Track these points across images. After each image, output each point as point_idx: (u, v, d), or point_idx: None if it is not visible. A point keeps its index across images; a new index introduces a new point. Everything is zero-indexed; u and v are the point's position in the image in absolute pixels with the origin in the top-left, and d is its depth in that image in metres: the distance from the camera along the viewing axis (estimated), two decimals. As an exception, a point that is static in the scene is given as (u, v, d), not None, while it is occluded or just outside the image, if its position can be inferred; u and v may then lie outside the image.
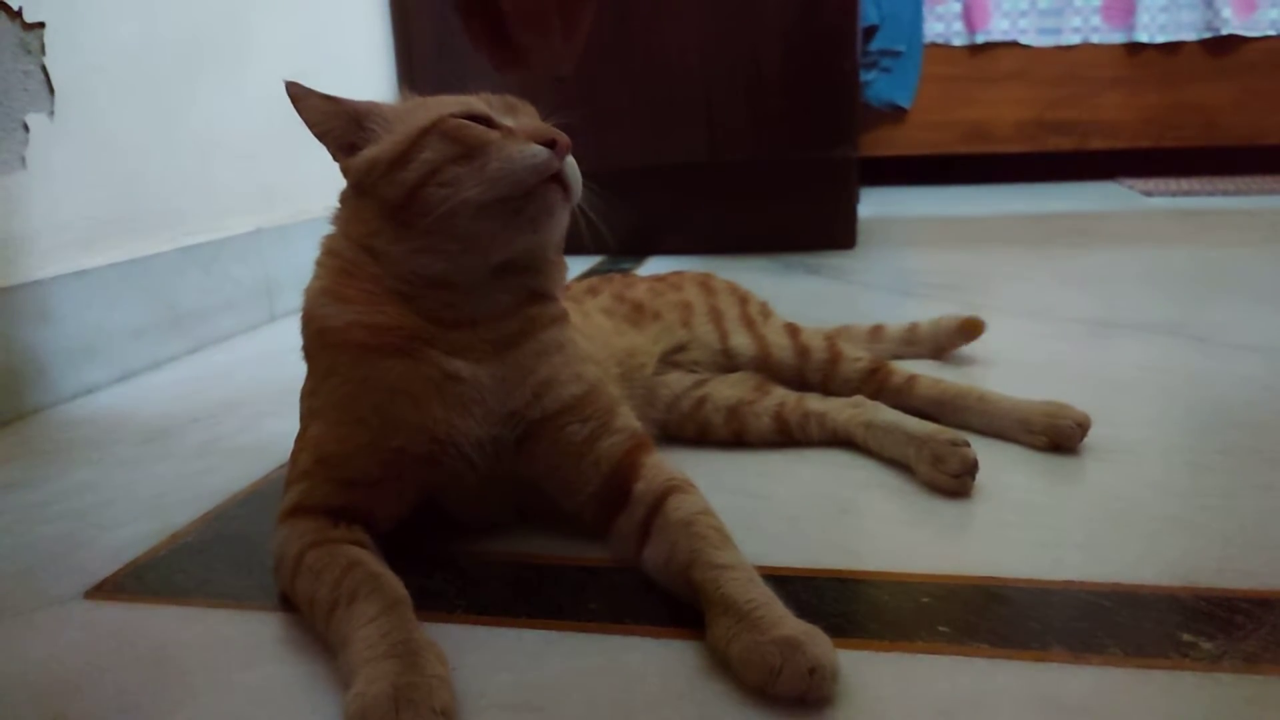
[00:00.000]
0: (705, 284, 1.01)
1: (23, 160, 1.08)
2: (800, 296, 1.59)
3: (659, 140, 2.01)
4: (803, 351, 0.94)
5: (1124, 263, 1.76)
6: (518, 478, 0.68)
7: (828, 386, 0.94)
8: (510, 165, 0.61)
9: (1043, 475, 0.79)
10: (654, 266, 1.95)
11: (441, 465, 0.64)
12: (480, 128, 0.63)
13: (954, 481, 0.75)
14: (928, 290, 1.57)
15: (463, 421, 0.63)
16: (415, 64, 2.03)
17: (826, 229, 1.99)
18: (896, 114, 3.20)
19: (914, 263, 1.86)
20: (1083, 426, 0.83)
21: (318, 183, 1.72)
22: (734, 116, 1.96)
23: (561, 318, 0.71)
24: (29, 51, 1.08)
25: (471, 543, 0.70)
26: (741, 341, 0.94)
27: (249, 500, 0.81)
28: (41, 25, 1.09)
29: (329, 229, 0.69)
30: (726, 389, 0.90)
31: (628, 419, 0.70)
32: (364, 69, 1.91)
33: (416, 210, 0.62)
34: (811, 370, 0.94)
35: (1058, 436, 0.83)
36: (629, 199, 2.10)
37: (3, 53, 1.05)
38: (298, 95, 0.66)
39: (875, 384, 0.93)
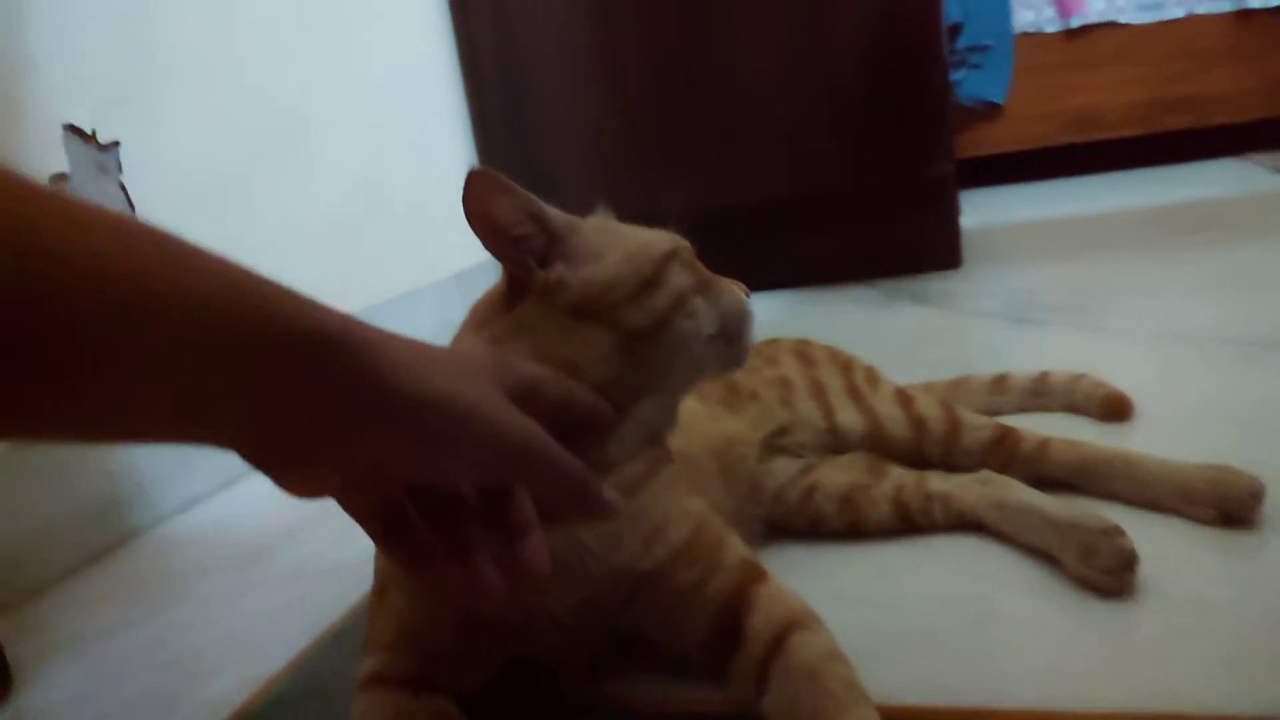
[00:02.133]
0: (803, 354, 0.93)
1: (107, 282, 1.08)
2: (907, 332, 1.49)
3: (739, 176, 1.93)
4: (918, 423, 0.85)
5: (1270, 259, 1.59)
6: (618, 629, 0.62)
7: (949, 460, 0.85)
8: (738, 301, 0.63)
9: (1218, 559, 0.68)
10: (752, 305, 1.87)
11: (534, 634, 0.58)
12: (706, 269, 0.64)
13: (1110, 579, 0.65)
14: (1047, 314, 1.45)
15: (560, 588, 0.57)
16: (492, 143, 2.02)
17: (928, 250, 1.88)
18: (991, 110, 3.05)
19: (1028, 280, 1.73)
20: (1256, 495, 0.72)
21: (390, 261, 1.73)
22: (817, 142, 1.87)
23: (668, 453, 0.65)
24: (106, 172, 1.09)
25: (569, 686, 0.64)
26: (849, 417, 0.86)
27: (340, 638, 0.77)
28: (116, 145, 1.10)
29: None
30: (837, 474, 0.82)
31: (737, 549, 0.63)
32: (436, 146, 1.90)
33: (656, 339, 0.58)
34: (930, 444, 0.85)
35: (1228, 507, 0.72)
36: (712, 239, 2.02)
37: (84, 177, 1.05)
38: (490, 187, 0.55)
39: (1003, 454, 0.83)
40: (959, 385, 1.05)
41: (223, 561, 0.97)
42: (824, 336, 1.54)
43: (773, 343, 0.96)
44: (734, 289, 0.64)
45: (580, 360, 0.56)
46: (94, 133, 1.07)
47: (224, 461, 1.19)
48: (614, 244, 0.59)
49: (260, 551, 0.98)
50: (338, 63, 1.55)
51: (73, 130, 1.04)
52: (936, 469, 0.84)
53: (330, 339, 0.35)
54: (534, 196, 0.57)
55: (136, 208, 1.12)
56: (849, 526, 0.80)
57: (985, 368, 1.09)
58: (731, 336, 0.62)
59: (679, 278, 0.59)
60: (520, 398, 0.44)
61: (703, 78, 1.91)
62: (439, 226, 1.81)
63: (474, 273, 1.87)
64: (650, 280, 0.58)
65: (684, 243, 0.63)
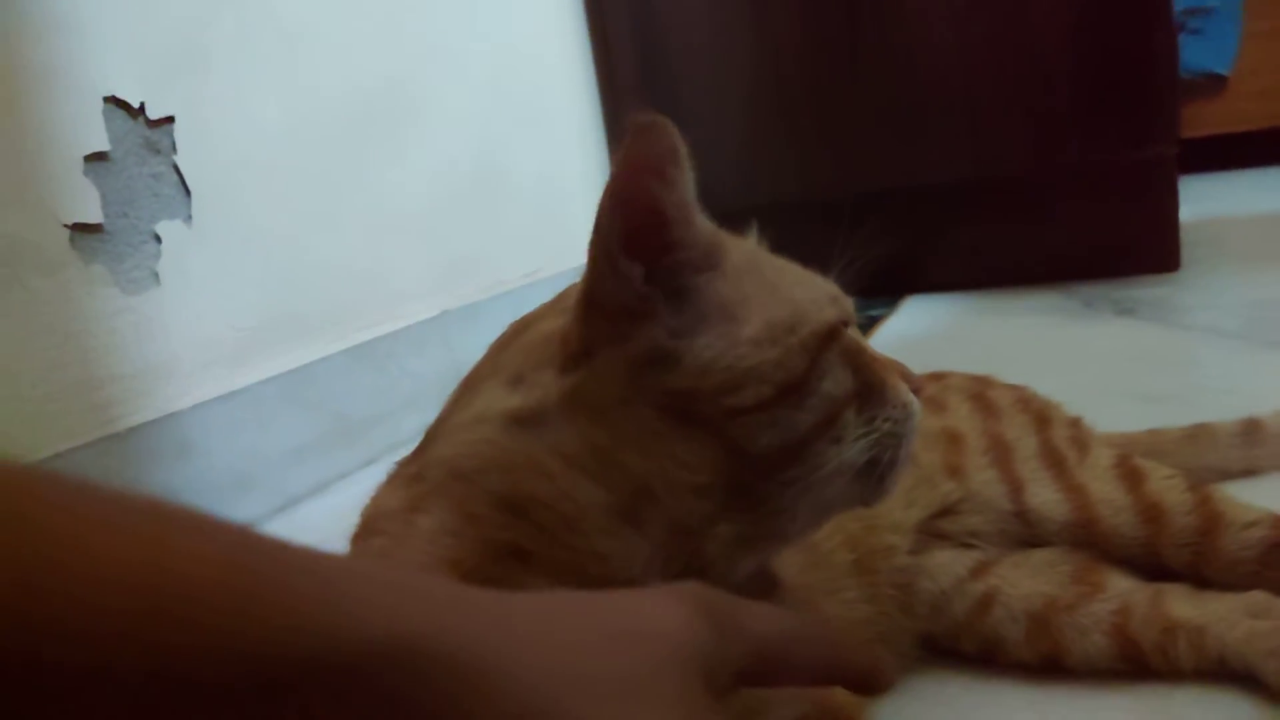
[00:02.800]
0: (980, 397, 0.68)
1: (155, 276, 0.95)
2: (1111, 352, 1.19)
3: (910, 156, 1.65)
4: (1152, 513, 0.59)
5: None
6: None
7: (1201, 570, 0.58)
8: (904, 419, 0.42)
9: None
10: (914, 309, 1.60)
11: None
12: (870, 353, 0.43)
13: None
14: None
15: None
16: (623, 119, 1.82)
17: (1139, 249, 1.55)
18: (1213, 84, 2.61)
19: (1267, 289, 1.38)
20: None
21: (509, 249, 1.56)
22: (1007, 120, 1.57)
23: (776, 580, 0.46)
24: (157, 151, 0.96)
25: None
26: (1047, 497, 0.61)
27: None
28: (170, 120, 0.97)
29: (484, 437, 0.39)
30: (1028, 580, 0.57)
31: None
32: (562, 122, 1.72)
33: (782, 471, 0.39)
34: (1171, 545, 0.59)
35: None
36: (877, 227, 1.76)
37: (126, 157, 0.92)
38: (666, 156, 0.36)
39: None
40: (1199, 437, 0.77)
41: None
42: (1001, 355, 1.26)
43: (939, 378, 0.72)
44: (902, 391, 0.42)
45: (658, 480, 0.37)
46: (142, 106, 0.94)
47: (283, 480, 1.05)
48: (757, 299, 0.39)
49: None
50: (449, 28, 1.39)
51: (116, 103, 0.91)
52: (1179, 579, 0.58)
53: (417, 653, 0.24)
54: (691, 180, 0.38)
55: (193, 194, 0.99)
56: (1043, 659, 0.55)
57: (1218, 406, 0.81)
58: (884, 468, 0.41)
59: (836, 379, 0.40)
60: (752, 677, 0.32)
61: (870, 51, 1.64)
62: (563, 212, 1.63)
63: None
64: (799, 383, 0.38)
65: (848, 305, 0.43)
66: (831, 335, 0.40)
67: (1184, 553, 0.58)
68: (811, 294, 0.41)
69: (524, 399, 0.39)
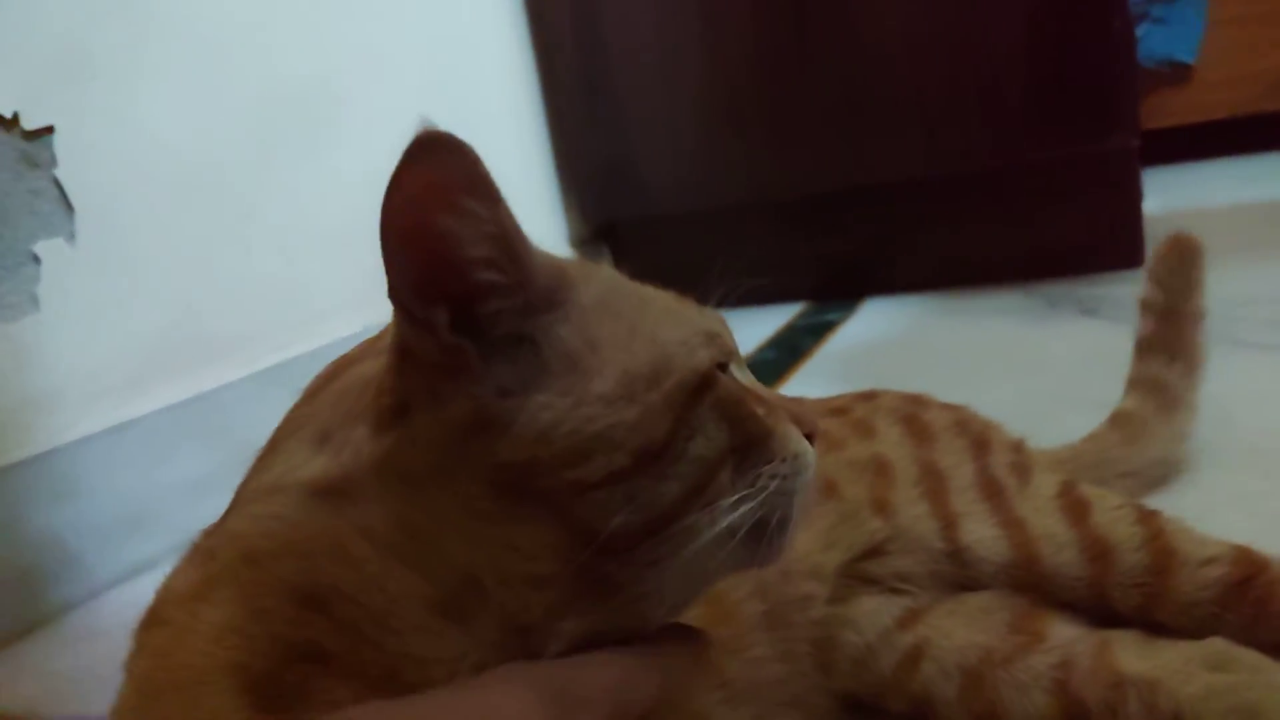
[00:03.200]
0: (913, 420, 0.61)
1: (34, 300, 0.87)
2: (1072, 356, 1.13)
3: (864, 155, 1.59)
4: (1098, 549, 0.52)
5: None
6: None
7: (1154, 611, 0.52)
8: (795, 474, 0.35)
9: None
10: (872, 311, 1.54)
11: None
12: (752, 399, 0.36)
13: None
14: (1265, 331, 1.07)
15: None
16: (564, 122, 1.75)
17: (1101, 245, 1.50)
18: (1177, 73, 2.57)
19: (1234, 286, 1.31)
20: None
21: None
22: (960, 114, 1.51)
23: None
24: (35, 165, 0.88)
25: None
26: (983, 534, 0.54)
27: None
28: (49, 130, 0.89)
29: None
30: (961, 630, 0.51)
31: None
32: (496, 125, 1.64)
33: (645, 553, 0.32)
34: (1118, 584, 0.52)
35: None
36: (830, 230, 1.70)
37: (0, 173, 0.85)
38: (457, 176, 0.30)
39: (1248, 606, 0.50)
40: (1129, 429, 0.72)
41: (128, 672, 0.75)
42: (960, 360, 1.20)
43: (869, 398, 0.65)
44: (792, 439, 0.36)
45: (487, 570, 0.31)
46: (15, 116, 0.86)
47: (181, 517, 0.97)
48: (611, 345, 0.33)
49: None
50: (375, 25, 1.32)
51: (-19, 113, 0.84)
52: (1129, 624, 0.52)
53: None
54: (509, 210, 0.31)
55: (76, 210, 0.91)
56: (978, 719, 0.49)
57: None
58: (773, 530, 0.35)
59: (708, 437, 0.33)
60: None
61: (818, 38, 1.58)
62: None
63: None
64: (661, 448, 0.32)
65: (727, 341, 0.37)
66: (703, 386, 0.33)
67: (1133, 594, 0.51)
68: (681, 333, 0.35)
69: (328, 464, 0.32)
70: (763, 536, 0.34)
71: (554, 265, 0.34)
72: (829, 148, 1.59)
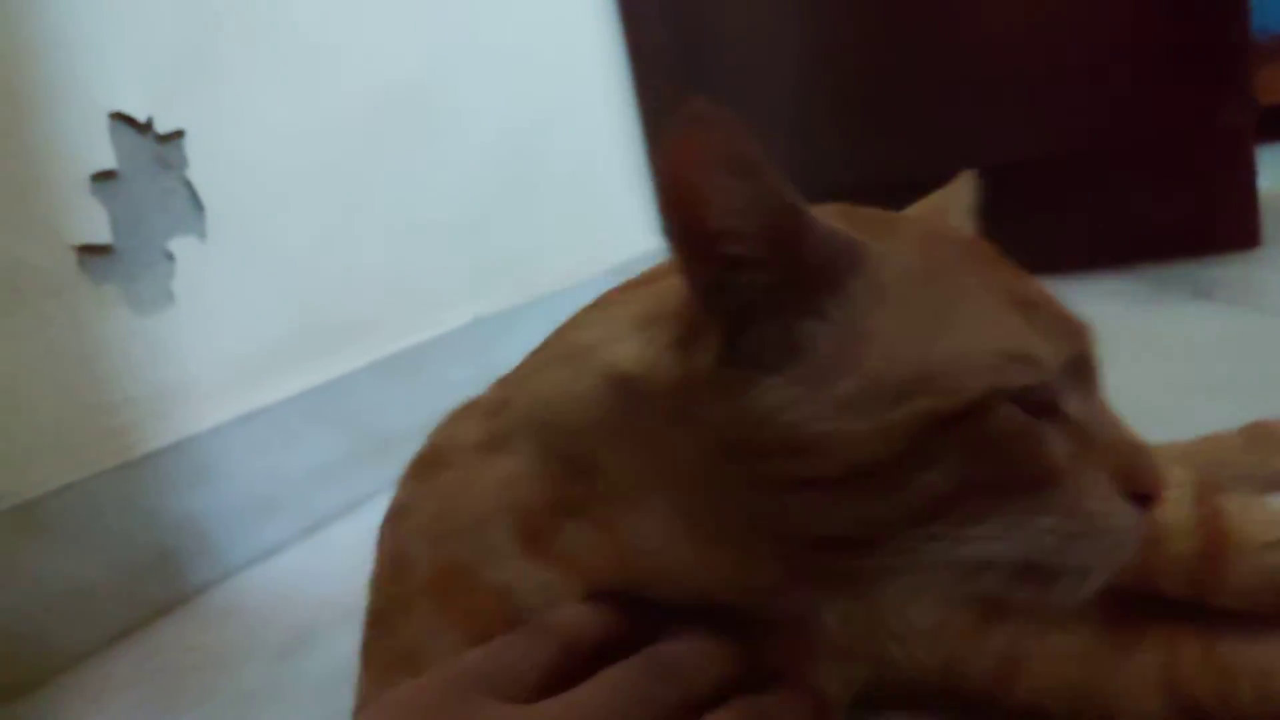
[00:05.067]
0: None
1: (170, 295, 0.92)
2: (1184, 340, 1.09)
3: (969, 137, 1.56)
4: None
5: None
6: None
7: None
8: (1082, 534, 0.31)
9: None
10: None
11: None
12: (1051, 436, 0.32)
13: None
14: None
15: None
16: (661, 110, 1.75)
17: (1214, 224, 1.44)
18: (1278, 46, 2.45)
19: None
20: None
21: (544, 250, 1.50)
22: (1065, 94, 1.47)
23: None
24: (168, 167, 0.93)
25: None
26: None
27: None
28: (179, 134, 0.94)
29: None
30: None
31: None
32: (596, 109, 1.66)
33: (843, 553, 0.32)
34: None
35: None
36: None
37: (135, 174, 0.90)
38: (717, 148, 0.30)
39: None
40: (1257, 438, 0.68)
41: (266, 645, 0.78)
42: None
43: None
44: (1096, 495, 0.32)
45: (711, 515, 0.34)
46: (150, 121, 0.91)
47: (310, 502, 1.01)
48: (882, 342, 0.31)
49: (310, 634, 0.78)
50: (471, 22, 1.35)
51: (122, 119, 0.88)
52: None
53: None
54: (792, 188, 0.31)
55: (206, 209, 0.96)
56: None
57: None
58: (1065, 573, 0.32)
59: (947, 471, 0.30)
60: None
61: (922, 17, 1.56)
62: (600, 209, 1.59)
63: (640, 262, 1.63)
64: (882, 468, 0.30)
65: (1050, 361, 0.32)
66: (967, 414, 0.30)
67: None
68: (972, 347, 0.31)
69: (638, 356, 0.34)
70: (1042, 578, 0.32)
71: (839, 243, 0.32)
72: (932, 131, 1.56)
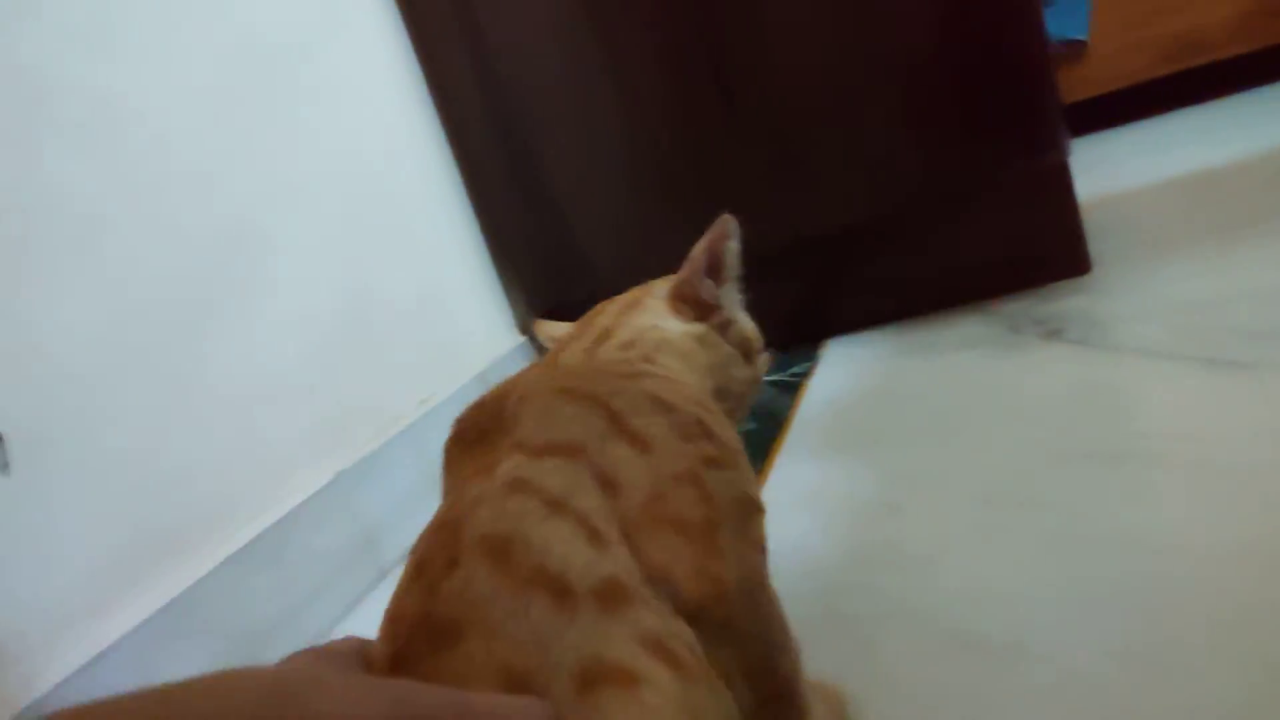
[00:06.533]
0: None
1: (-21, 545, 0.80)
2: (1047, 395, 1.11)
3: (800, 208, 1.57)
4: None
5: None
6: None
7: None
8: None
9: None
10: (835, 356, 1.53)
11: None
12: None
13: None
14: (1245, 348, 1.06)
15: None
16: (500, 224, 1.70)
17: (1048, 257, 1.51)
18: (1073, 50, 2.63)
19: (1188, 285, 1.32)
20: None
21: (398, 382, 1.38)
22: (892, 151, 1.50)
23: None
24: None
25: None
26: None
27: None
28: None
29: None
30: None
31: None
32: (434, 228, 1.59)
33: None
34: None
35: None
36: (782, 280, 1.67)
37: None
38: (731, 234, 0.80)
39: None
40: None
41: None
42: (937, 408, 1.19)
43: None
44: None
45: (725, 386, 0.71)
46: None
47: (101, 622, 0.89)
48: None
49: None
50: (287, 167, 1.25)
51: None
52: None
53: None
54: None
55: (5, 435, 0.84)
56: None
57: (1180, 459, 0.77)
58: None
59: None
60: None
61: (739, 93, 1.56)
62: (450, 327, 1.51)
63: (501, 366, 1.57)
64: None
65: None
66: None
67: None
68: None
69: (684, 325, 0.71)
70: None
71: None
72: (767, 205, 1.57)
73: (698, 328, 0.70)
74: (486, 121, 1.67)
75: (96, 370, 0.93)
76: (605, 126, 1.62)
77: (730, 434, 0.55)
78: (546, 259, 1.71)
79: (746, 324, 0.75)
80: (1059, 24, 2.58)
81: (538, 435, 0.46)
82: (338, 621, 1.12)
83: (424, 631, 0.36)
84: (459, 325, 1.53)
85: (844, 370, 1.46)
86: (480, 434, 0.50)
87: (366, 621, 1.09)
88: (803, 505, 1.03)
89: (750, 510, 0.49)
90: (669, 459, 0.47)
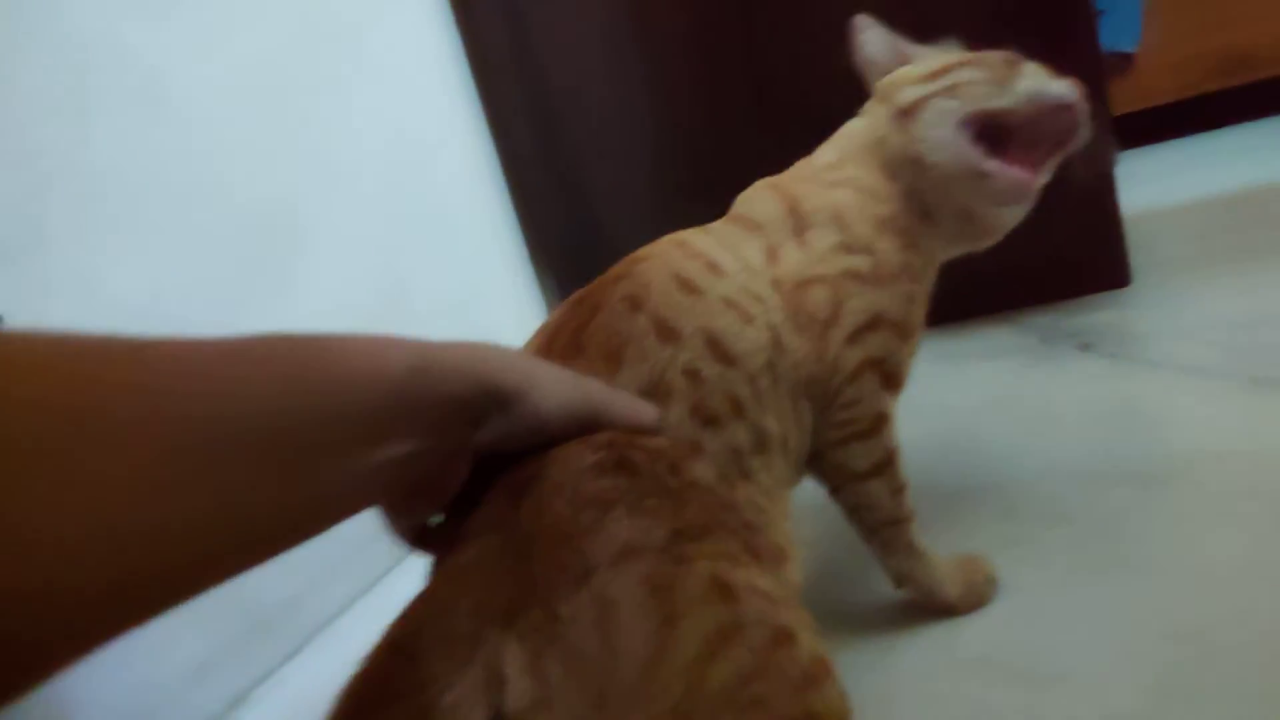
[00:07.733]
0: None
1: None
2: (1082, 412, 1.09)
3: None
4: None
5: None
6: None
7: None
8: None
9: None
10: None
11: None
12: None
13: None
14: (1284, 363, 1.04)
15: None
16: (532, 208, 1.70)
17: (1087, 269, 1.48)
18: (1122, 62, 2.59)
19: (1230, 302, 1.30)
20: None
21: None
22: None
23: None
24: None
25: None
26: None
27: None
28: None
29: None
30: None
31: None
32: (472, 229, 1.59)
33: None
34: None
35: None
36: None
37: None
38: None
39: None
40: None
41: None
42: (972, 419, 1.17)
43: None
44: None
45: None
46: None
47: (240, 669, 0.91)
48: None
49: None
50: (329, 154, 1.26)
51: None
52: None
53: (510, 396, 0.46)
54: None
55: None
56: None
57: (1222, 477, 0.74)
58: None
59: None
60: None
61: (772, 92, 1.55)
62: (489, 323, 1.51)
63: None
64: None
65: None
66: None
67: None
68: None
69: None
70: None
71: None
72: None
73: None
74: (527, 117, 1.67)
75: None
76: (642, 126, 1.62)
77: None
78: (577, 247, 1.71)
79: None
80: (1110, 35, 2.54)
81: None
82: (351, 604, 1.12)
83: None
84: (495, 322, 1.53)
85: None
86: None
87: (381, 606, 1.09)
88: (819, 515, 1.02)
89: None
90: None
